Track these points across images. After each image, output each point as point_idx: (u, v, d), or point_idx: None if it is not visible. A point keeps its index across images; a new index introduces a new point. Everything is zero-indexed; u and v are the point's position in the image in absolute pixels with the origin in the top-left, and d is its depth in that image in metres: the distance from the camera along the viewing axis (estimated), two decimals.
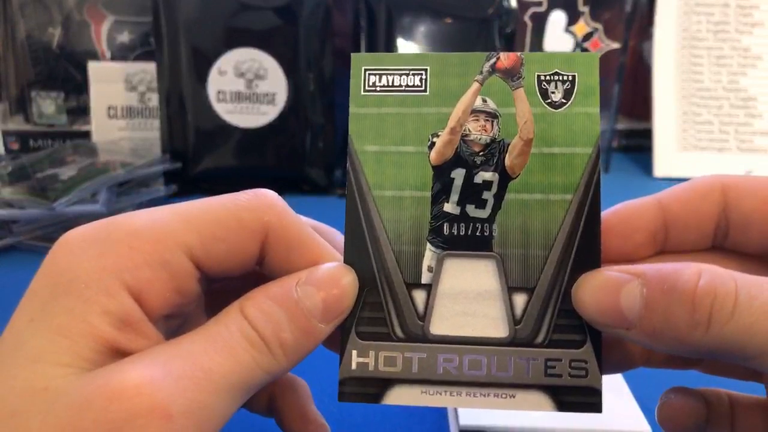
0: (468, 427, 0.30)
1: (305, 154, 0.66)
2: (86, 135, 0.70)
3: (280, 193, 0.21)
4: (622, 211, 0.22)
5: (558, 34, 0.73)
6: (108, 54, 0.72)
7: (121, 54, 0.72)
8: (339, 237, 0.23)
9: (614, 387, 0.33)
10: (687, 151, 0.76)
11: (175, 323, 0.21)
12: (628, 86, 0.78)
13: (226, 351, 0.18)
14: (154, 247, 0.19)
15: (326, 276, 0.21)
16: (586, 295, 0.20)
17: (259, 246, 0.21)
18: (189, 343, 0.18)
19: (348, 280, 0.21)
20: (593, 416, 0.30)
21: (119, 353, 0.18)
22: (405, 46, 0.66)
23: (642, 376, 0.37)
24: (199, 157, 0.65)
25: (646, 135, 0.77)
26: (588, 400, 0.21)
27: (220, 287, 0.22)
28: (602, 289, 0.20)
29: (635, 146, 0.82)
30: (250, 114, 0.65)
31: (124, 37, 0.72)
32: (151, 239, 0.19)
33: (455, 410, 0.31)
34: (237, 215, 0.20)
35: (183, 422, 0.17)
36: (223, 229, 0.20)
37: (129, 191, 0.59)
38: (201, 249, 0.20)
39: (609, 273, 0.20)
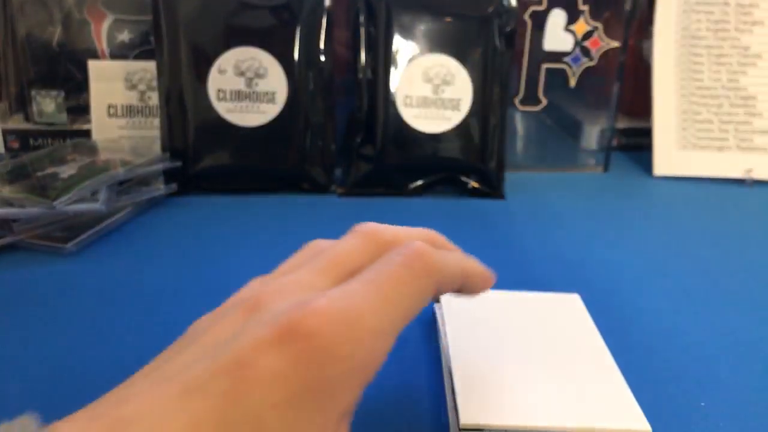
0: (468, 426, 0.30)
1: (305, 153, 0.66)
2: (86, 134, 0.70)
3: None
4: None
5: (558, 33, 0.73)
6: (108, 52, 0.72)
7: (121, 52, 0.72)
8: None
9: (614, 386, 0.33)
10: (687, 149, 0.76)
11: None
12: (628, 85, 0.78)
13: None
14: (379, 344, 0.21)
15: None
16: None
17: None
18: None
19: None
20: (593, 416, 0.30)
21: None
22: (404, 44, 0.66)
23: (642, 376, 0.37)
24: (199, 155, 0.65)
25: (646, 133, 0.77)
26: None
27: None
28: None
29: (635, 145, 0.82)
30: (250, 113, 0.65)
31: (124, 36, 0.72)
32: (377, 334, 0.21)
33: (455, 409, 0.31)
34: (422, 290, 0.23)
35: None
36: (417, 306, 0.23)
37: (129, 190, 0.59)
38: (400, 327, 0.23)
39: None
